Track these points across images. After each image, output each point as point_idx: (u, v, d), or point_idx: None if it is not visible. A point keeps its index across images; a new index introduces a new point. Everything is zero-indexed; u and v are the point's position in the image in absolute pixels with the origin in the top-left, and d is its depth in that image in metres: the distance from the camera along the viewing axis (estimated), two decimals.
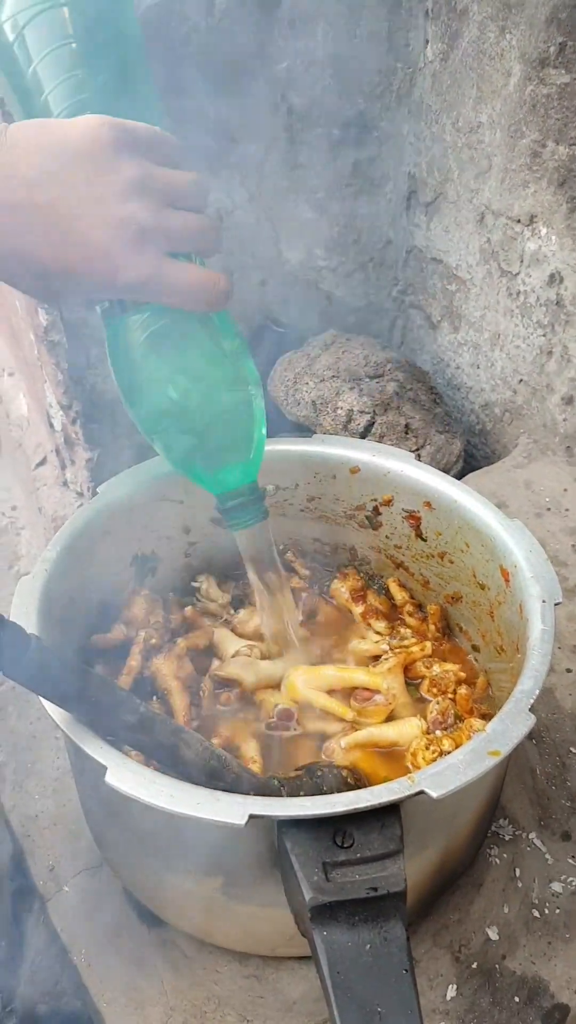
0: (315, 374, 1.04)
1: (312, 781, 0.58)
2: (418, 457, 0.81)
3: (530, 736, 0.75)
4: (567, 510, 0.97)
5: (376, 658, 0.75)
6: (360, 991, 0.43)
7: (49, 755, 0.82)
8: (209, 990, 0.63)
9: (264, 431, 0.63)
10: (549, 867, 0.70)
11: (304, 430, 1.04)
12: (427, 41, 1.06)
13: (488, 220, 1.06)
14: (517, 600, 0.64)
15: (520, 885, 0.68)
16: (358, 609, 0.79)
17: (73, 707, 0.51)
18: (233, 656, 0.73)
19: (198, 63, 0.92)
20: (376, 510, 0.80)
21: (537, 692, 0.54)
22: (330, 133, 1.07)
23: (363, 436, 1.00)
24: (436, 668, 0.72)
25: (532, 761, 0.76)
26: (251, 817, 0.46)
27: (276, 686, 0.72)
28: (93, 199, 0.49)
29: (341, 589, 0.81)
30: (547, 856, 0.70)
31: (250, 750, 0.66)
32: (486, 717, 0.65)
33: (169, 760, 0.52)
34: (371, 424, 1.01)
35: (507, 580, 0.67)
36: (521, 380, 1.09)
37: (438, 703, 0.68)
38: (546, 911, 0.67)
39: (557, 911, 0.67)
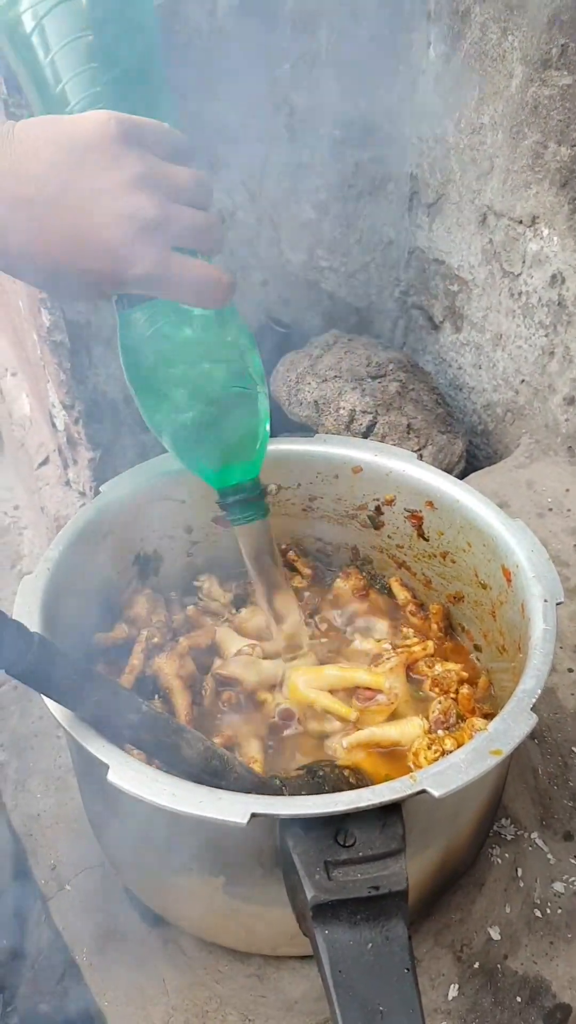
0: (317, 374, 1.04)
1: (314, 780, 0.58)
2: (420, 457, 0.81)
3: (532, 736, 0.75)
4: (569, 510, 0.97)
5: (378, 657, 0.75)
6: (362, 990, 0.43)
7: (51, 754, 0.82)
8: (211, 989, 0.63)
9: (267, 427, 0.64)
10: (551, 867, 0.70)
11: (306, 430, 1.04)
12: (429, 43, 1.06)
13: (490, 221, 1.06)
14: (519, 600, 0.64)
15: (522, 885, 0.68)
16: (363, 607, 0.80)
17: (75, 706, 0.51)
18: (235, 655, 0.73)
19: (200, 64, 0.92)
20: (378, 510, 0.80)
21: (539, 691, 0.54)
22: (332, 134, 1.07)
23: (365, 436, 1.00)
24: (438, 667, 0.72)
25: (534, 761, 0.76)
26: (253, 816, 0.46)
27: (278, 685, 0.72)
28: (99, 192, 0.49)
29: (344, 588, 0.81)
30: (549, 856, 0.70)
31: (252, 749, 0.66)
32: (488, 716, 0.65)
33: (171, 759, 0.52)
34: (373, 424, 1.01)
35: (509, 580, 0.67)
36: (523, 380, 1.09)
37: (440, 702, 0.68)
38: (548, 911, 0.67)
39: (559, 911, 0.67)
